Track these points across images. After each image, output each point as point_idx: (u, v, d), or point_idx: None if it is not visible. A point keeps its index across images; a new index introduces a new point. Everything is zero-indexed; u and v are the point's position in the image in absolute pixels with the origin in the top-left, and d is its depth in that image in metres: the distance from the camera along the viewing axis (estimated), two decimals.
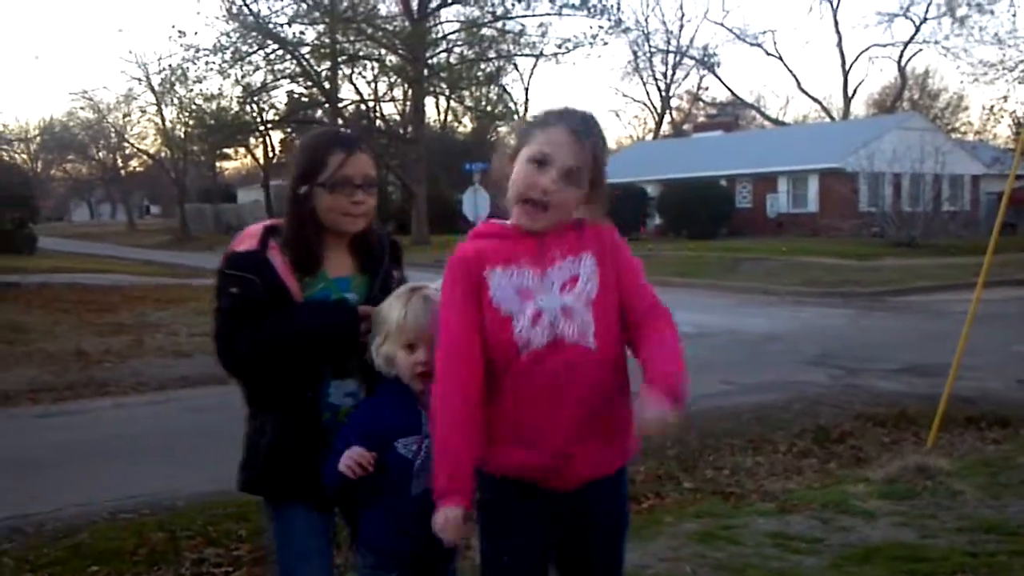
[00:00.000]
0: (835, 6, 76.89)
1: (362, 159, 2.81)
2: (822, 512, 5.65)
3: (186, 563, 5.39)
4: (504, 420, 2.44)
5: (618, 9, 39.43)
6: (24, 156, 66.01)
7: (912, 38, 58.75)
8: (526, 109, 52.88)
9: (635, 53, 63.76)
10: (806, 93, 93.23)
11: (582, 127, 2.45)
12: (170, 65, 38.83)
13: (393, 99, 47.85)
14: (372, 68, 43.84)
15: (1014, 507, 5.67)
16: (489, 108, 47.89)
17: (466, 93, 44.19)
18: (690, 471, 7.20)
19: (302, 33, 38.21)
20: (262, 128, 48.27)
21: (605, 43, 52.20)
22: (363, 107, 46.26)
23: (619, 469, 2.60)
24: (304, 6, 37.64)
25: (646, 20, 71.63)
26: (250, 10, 36.90)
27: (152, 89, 49.15)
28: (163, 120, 53.84)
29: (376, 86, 47.18)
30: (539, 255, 2.45)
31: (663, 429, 2.30)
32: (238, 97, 40.79)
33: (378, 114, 47.27)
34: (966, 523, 5.37)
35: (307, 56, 39.43)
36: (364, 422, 2.68)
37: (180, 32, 40.28)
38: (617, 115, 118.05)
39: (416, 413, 2.66)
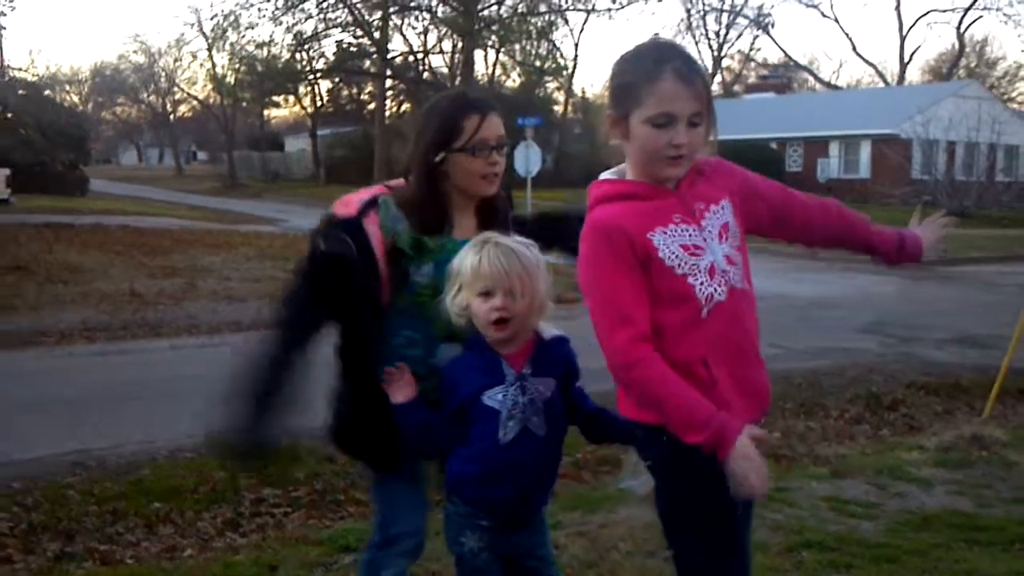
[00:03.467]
0: None
1: (495, 120, 2.79)
2: (877, 478, 5.64)
3: (245, 503, 5.49)
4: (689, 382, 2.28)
5: None
6: (76, 98, 66.65)
7: (972, 4, 56.86)
8: (575, 65, 52.41)
9: (688, 11, 62.65)
10: (861, 57, 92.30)
11: (686, 67, 2.30)
12: (222, 11, 39.10)
13: (442, 51, 47.75)
14: (423, 19, 43.66)
15: None
16: (538, 63, 47.58)
17: (516, 47, 43.93)
18: None
19: None
20: (311, 77, 48.39)
21: None
22: (411, 59, 46.14)
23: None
24: None
25: None
26: None
27: (204, 35, 49.12)
28: (213, 66, 53.91)
29: (426, 38, 47.04)
30: (687, 209, 2.36)
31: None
32: (289, 45, 40.87)
33: (426, 66, 47.17)
34: (1022, 494, 5.34)
35: (359, 5, 39.35)
36: (444, 387, 2.68)
37: None
38: None
39: (497, 362, 2.63)
